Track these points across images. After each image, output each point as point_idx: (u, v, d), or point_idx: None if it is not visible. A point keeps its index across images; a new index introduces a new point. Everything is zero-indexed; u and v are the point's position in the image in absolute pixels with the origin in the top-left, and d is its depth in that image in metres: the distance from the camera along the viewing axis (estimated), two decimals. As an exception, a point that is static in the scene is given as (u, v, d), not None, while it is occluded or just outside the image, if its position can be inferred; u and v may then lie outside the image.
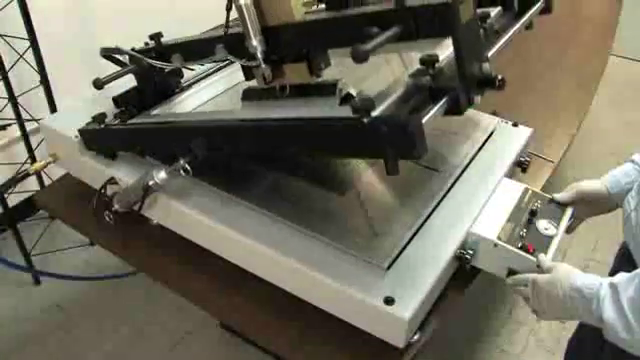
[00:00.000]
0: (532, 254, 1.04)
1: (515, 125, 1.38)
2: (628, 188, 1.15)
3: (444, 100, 0.88)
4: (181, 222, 1.18)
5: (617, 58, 3.40)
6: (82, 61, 2.38)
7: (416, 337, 1.00)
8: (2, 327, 2.12)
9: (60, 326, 2.12)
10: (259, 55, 1.04)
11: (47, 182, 2.24)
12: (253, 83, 1.13)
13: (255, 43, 1.03)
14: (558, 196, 1.18)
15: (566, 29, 2.38)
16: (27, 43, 1.97)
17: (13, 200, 2.24)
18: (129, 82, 1.27)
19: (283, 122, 0.99)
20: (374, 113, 0.85)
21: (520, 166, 1.35)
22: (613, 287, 0.88)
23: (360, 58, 0.78)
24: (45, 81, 2.08)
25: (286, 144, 1.01)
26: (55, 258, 2.37)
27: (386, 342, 0.98)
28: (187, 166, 1.04)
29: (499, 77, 0.90)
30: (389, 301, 0.94)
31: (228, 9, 1.04)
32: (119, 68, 1.29)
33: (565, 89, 1.91)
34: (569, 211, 1.16)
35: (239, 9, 1.00)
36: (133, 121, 1.22)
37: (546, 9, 1.24)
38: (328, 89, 1.06)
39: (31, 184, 2.32)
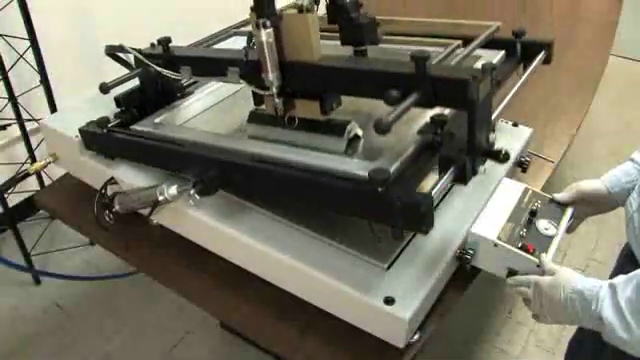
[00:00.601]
0: (532, 254, 1.04)
1: (515, 125, 1.39)
2: (629, 187, 1.15)
3: (451, 170, 0.93)
4: (181, 222, 1.18)
5: (617, 58, 3.40)
6: (82, 61, 2.38)
7: (416, 337, 1.00)
8: (2, 327, 2.12)
9: (60, 326, 2.12)
10: (274, 90, 1.05)
11: (47, 182, 2.24)
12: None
13: (272, 78, 1.04)
14: (558, 196, 1.18)
15: (566, 29, 2.38)
16: (27, 43, 1.97)
17: (13, 200, 2.24)
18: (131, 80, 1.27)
19: (298, 173, 0.99)
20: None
21: (520, 166, 1.35)
22: (612, 287, 0.89)
23: (383, 130, 0.81)
24: (45, 81, 2.08)
25: (297, 195, 1.01)
26: (55, 258, 2.37)
27: (386, 342, 0.98)
28: (196, 196, 1.04)
29: (503, 151, 0.96)
30: (389, 301, 0.94)
31: (249, 41, 1.04)
32: (121, 66, 1.29)
33: (565, 89, 1.91)
34: (569, 211, 1.16)
35: (260, 45, 1.00)
36: (136, 128, 1.21)
37: (547, 60, 1.28)
38: (337, 129, 1.10)
39: (31, 184, 2.32)
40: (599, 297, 0.89)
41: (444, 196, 1.15)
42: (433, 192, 0.89)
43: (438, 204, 1.12)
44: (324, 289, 1.00)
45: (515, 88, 1.16)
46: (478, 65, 1.08)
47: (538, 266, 1.02)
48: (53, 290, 2.26)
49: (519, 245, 1.05)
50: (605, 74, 2.07)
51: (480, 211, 1.11)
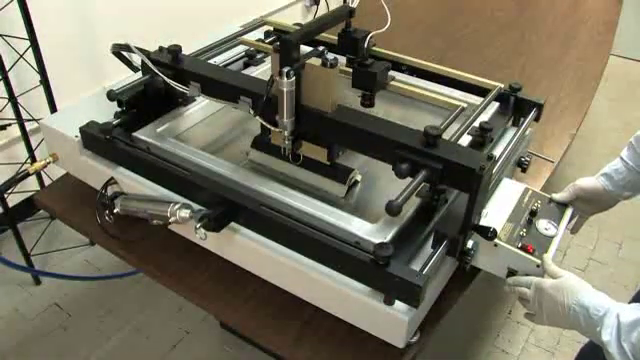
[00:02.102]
0: (532, 254, 1.04)
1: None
2: (622, 185, 1.16)
3: (444, 244, 0.99)
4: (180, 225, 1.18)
5: (617, 58, 3.41)
6: (82, 61, 2.38)
7: (416, 337, 1.00)
8: (2, 327, 2.12)
9: (60, 326, 2.12)
10: (286, 133, 1.07)
11: (47, 182, 2.24)
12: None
13: (286, 122, 1.05)
14: (557, 196, 1.18)
15: (566, 29, 2.38)
16: (27, 43, 1.97)
17: (13, 200, 2.24)
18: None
19: (302, 228, 1.00)
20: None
21: (520, 166, 1.35)
22: (619, 324, 0.87)
23: (395, 213, 0.88)
24: (45, 81, 2.08)
25: (298, 244, 1.02)
26: (55, 258, 2.37)
27: (386, 342, 0.98)
28: (202, 230, 1.04)
29: (491, 229, 1.01)
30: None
31: (269, 84, 1.04)
32: (121, 67, 1.29)
33: (565, 89, 1.91)
34: (569, 211, 1.16)
35: (280, 92, 1.01)
36: (139, 136, 1.21)
37: (537, 118, 1.34)
38: (340, 175, 1.16)
39: (31, 184, 2.32)
40: (604, 323, 0.88)
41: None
42: (426, 269, 0.93)
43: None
44: (324, 289, 1.00)
45: (508, 148, 1.21)
46: (477, 122, 1.19)
47: (538, 266, 1.02)
48: (53, 290, 2.26)
49: (519, 245, 1.05)
50: (605, 74, 2.07)
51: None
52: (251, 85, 1.13)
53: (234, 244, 1.09)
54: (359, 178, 1.21)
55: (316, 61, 1.01)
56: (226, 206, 1.05)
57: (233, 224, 1.07)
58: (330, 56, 1.01)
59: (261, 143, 1.23)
